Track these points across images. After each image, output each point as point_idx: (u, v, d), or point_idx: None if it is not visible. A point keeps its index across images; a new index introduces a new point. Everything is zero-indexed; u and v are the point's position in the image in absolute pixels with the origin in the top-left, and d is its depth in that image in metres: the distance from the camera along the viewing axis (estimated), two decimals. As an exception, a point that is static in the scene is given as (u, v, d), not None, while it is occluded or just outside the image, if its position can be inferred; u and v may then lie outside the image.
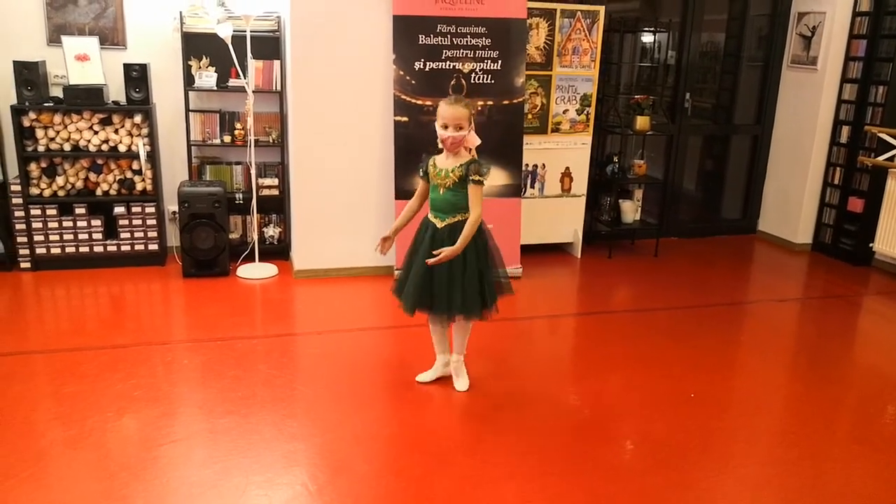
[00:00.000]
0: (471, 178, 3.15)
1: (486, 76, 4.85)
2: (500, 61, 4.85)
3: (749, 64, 6.38)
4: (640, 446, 3.09)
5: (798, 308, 4.88)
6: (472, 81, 4.82)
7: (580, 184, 5.55)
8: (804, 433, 3.24)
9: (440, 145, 3.23)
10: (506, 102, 4.91)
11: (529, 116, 5.25)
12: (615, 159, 5.71)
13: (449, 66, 4.77)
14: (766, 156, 6.42)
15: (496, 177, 4.97)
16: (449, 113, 3.12)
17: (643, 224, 5.94)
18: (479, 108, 4.86)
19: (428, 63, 4.74)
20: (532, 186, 5.44)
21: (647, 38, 5.98)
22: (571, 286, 5.18)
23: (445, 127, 3.13)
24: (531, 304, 4.77)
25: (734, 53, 6.38)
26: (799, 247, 6.13)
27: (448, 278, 3.18)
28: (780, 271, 5.65)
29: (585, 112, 5.41)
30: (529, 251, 5.35)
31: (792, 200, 6.17)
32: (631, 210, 5.79)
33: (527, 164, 5.31)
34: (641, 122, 5.52)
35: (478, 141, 5.06)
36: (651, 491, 2.77)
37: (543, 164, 5.43)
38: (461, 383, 3.47)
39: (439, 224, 3.23)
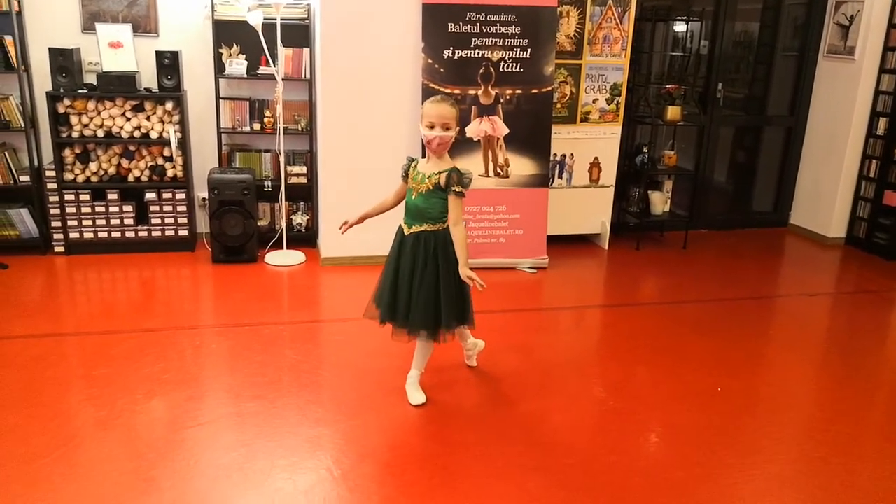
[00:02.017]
0: (452, 188, 2.94)
1: (515, 65, 4.81)
2: (529, 49, 4.81)
3: (784, 54, 6.26)
4: (665, 439, 3.07)
5: (829, 303, 4.80)
6: (501, 70, 4.80)
7: (609, 174, 5.50)
8: (834, 430, 3.19)
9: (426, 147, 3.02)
10: (534, 91, 4.88)
11: (558, 105, 5.21)
12: (645, 150, 5.65)
13: (478, 54, 4.75)
14: (800, 147, 6.31)
15: (524, 166, 4.95)
16: (435, 111, 2.90)
17: (672, 216, 5.87)
18: (508, 97, 4.84)
19: (457, 51, 4.72)
20: (560, 176, 5.40)
21: (680, 27, 5.89)
22: (598, 278, 5.15)
23: (431, 126, 2.91)
24: (557, 295, 4.75)
25: (769, 43, 6.26)
26: (831, 241, 6.02)
27: (409, 292, 3.03)
28: (812, 265, 5.55)
29: (615, 101, 5.35)
30: (556, 242, 5.32)
31: (825, 193, 6.05)
32: (660, 201, 5.73)
33: (555, 154, 5.28)
34: (672, 112, 5.45)
35: (506, 130, 5.06)
36: (676, 484, 2.75)
37: (572, 154, 5.39)
38: (415, 397, 3.25)
39: (406, 231, 3.07)
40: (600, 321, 4.43)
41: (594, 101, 5.31)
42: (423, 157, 3.13)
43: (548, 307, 4.57)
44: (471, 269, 2.94)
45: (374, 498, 2.61)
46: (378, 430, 3.04)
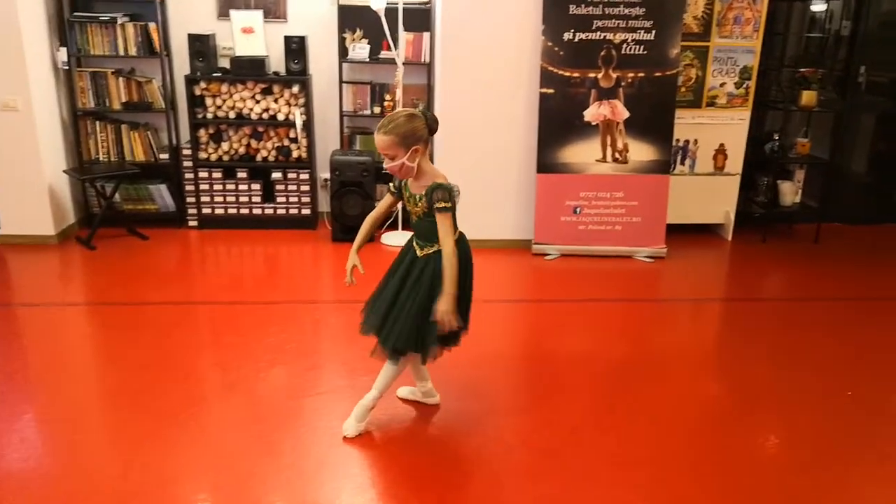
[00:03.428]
0: (435, 206, 2.66)
1: (638, 47, 4.67)
2: (653, 31, 4.65)
3: (938, 34, 5.73)
4: (786, 442, 2.92)
5: (982, 307, 4.39)
6: (623, 52, 4.67)
7: (735, 162, 5.25)
8: (981, 443, 2.93)
9: None
10: (658, 74, 4.72)
11: (683, 89, 5.02)
12: (776, 137, 5.35)
13: (599, 36, 4.65)
14: (953, 137, 5.78)
15: (644, 152, 4.81)
16: (375, 141, 2.67)
17: (803, 207, 5.53)
18: (629, 80, 4.70)
19: (577, 34, 4.64)
20: (682, 163, 5.21)
21: (818, 6, 5.52)
22: (719, 270, 4.94)
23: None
24: (674, 287, 4.60)
25: (921, 22, 5.76)
26: None
27: (392, 304, 2.80)
28: (962, 265, 5.09)
29: (745, 86, 5.09)
30: (676, 231, 5.14)
31: (982, 187, 5.52)
32: (790, 192, 5.41)
33: (677, 140, 5.09)
34: (807, 97, 5.13)
35: (626, 114, 4.92)
36: (796, 490, 2.61)
37: (695, 140, 5.18)
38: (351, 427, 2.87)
39: (419, 252, 2.82)
40: (719, 315, 4.25)
41: (721, 84, 5.07)
42: None
43: (664, 298, 4.43)
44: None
45: (483, 473, 2.64)
46: (489, 412, 3.06)
